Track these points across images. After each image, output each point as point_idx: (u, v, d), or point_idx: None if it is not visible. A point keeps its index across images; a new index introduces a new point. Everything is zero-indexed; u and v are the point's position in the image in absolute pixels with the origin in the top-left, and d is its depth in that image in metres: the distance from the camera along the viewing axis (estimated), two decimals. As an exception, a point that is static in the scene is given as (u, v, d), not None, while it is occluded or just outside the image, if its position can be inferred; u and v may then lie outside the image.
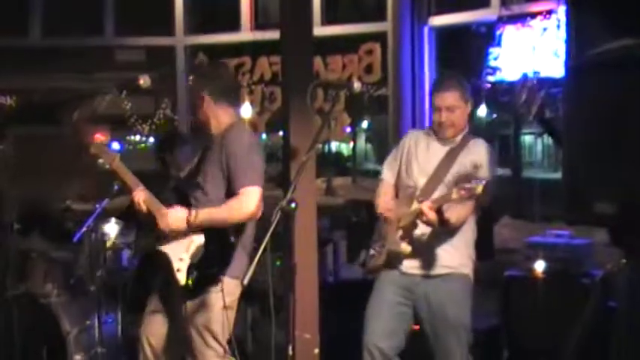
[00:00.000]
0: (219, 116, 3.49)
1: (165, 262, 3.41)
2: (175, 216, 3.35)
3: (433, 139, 3.63)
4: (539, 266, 4.40)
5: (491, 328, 4.53)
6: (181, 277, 3.34)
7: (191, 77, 3.57)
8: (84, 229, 4.34)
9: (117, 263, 4.62)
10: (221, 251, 3.34)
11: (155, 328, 3.55)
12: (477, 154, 3.50)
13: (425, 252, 3.52)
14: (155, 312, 3.56)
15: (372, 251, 3.69)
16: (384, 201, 3.66)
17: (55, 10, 8.19)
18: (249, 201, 3.30)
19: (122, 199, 6.02)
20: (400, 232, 3.49)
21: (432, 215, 3.30)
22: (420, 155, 3.62)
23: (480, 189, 3.10)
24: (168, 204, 3.42)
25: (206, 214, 3.33)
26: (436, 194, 3.43)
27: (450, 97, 3.52)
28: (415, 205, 3.42)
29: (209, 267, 3.32)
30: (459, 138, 3.58)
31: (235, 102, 3.66)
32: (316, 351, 3.97)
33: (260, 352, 4.16)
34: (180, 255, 3.35)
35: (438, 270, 3.52)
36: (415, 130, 3.90)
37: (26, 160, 6.54)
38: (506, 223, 7.19)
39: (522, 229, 6.94)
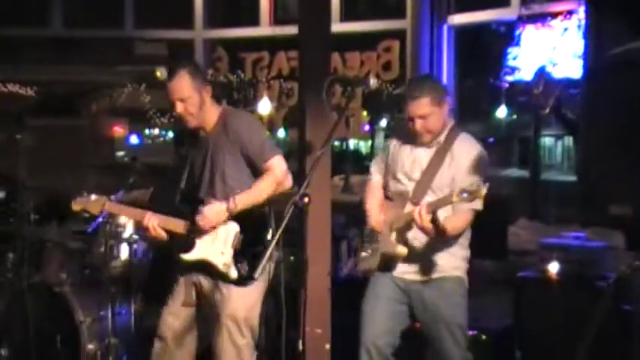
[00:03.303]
0: (213, 111, 3.44)
1: (203, 266, 3.36)
2: (215, 211, 3.30)
3: (417, 142, 3.49)
4: (554, 268, 4.36)
5: (503, 328, 4.51)
6: (232, 271, 3.30)
7: (183, 74, 3.32)
8: (99, 220, 4.36)
9: (132, 255, 4.64)
10: (258, 229, 3.31)
11: (185, 323, 3.48)
12: (465, 160, 3.37)
13: (418, 256, 3.46)
14: (186, 305, 3.48)
15: (363, 253, 3.62)
16: (374, 212, 3.55)
17: (76, 1, 8.26)
18: (278, 172, 3.33)
19: (138, 192, 6.07)
20: (394, 234, 3.42)
21: (425, 221, 3.18)
22: (405, 161, 3.52)
23: (483, 191, 2.98)
24: (183, 217, 3.38)
25: (244, 198, 3.31)
26: (426, 199, 3.35)
27: (421, 106, 3.35)
28: (409, 207, 3.33)
29: (255, 246, 3.26)
30: (442, 137, 3.45)
31: None
32: (327, 346, 3.97)
33: (271, 346, 4.16)
34: (220, 249, 3.32)
35: (430, 275, 3.47)
36: (400, 132, 3.67)
37: (44, 150, 6.59)
38: (523, 225, 7.16)
39: (538, 230, 6.91)
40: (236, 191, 3.35)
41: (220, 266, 3.31)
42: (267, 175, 3.34)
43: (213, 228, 3.32)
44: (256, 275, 2.81)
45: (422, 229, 3.23)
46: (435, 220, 3.21)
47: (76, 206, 3.58)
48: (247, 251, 3.30)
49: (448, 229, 3.29)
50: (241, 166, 3.38)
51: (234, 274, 3.30)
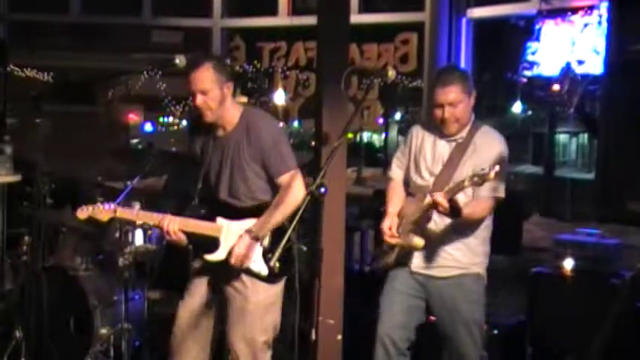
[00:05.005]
0: (234, 110, 3.35)
1: (229, 265, 3.27)
2: (241, 249, 3.21)
3: (439, 135, 3.49)
4: (568, 264, 4.34)
5: (515, 324, 4.50)
6: (261, 268, 3.26)
7: (208, 66, 3.22)
8: (118, 201, 4.36)
9: (146, 240, 4.66)
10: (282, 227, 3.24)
11: (201, 316, 3.42)
12: (486, 152, 3.36)
13: (437, 251, 3.45)
14: (202, 301, 3.42)
15: (383, 248, 3.60)
16: (389, 224, 3.49)
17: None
18: (294, 189, 3.22)
19: (151, 179, 6.09)
20: (412, 227, 3.41)
21: (442, 202, 3.14)
22: (427, 154, 3.51)
23: (492, 175, 2.98)
24: (205, 219, 3.32)
25: (264, 225, 3.22)
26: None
27: (452, 93, 3.34)
28: (428, 199, 3.29)
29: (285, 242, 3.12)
30: (465, 132, 3.45)
31: None
32: (339, 337, 3.98)
33: (284, 336, 4.18)
34: None
35: (450, 271, 3.46)
36: (420, 125, 3.67)
37: (61, 136, 6.63)
38: (537, 221, 7.14)
39: (552, 227, 6.89)
40: (257, 197, 3.31)
41: (250, 265, 3.27)
42: (283, 191, 3.25)
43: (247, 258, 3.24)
44: (272, 263, 2.79)
45: (438, 207, 3.17)
46: (452, 201, 3.18)
47: (82, 214, 3.43)
48: (276, 249, 3.24)
49: (465, 211, 3.24)
50: (261, 171, 3.32)
51: (264, 271, 3.26)
